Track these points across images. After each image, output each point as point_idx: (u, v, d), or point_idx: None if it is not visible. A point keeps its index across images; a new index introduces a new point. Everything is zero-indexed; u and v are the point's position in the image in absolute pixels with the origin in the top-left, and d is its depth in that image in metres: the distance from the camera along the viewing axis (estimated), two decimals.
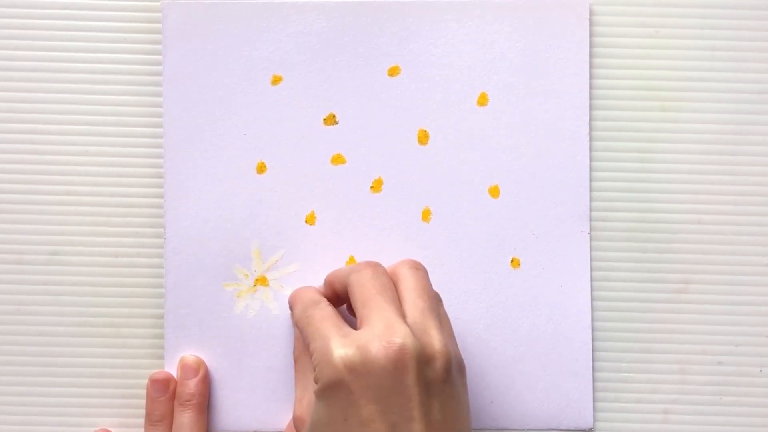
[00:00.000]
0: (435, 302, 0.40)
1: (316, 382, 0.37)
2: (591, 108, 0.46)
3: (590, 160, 0.46)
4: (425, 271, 0.41)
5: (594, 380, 0.46)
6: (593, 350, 0.46)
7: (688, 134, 0.46)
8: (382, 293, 0.39)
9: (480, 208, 0.46)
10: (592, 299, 0.46)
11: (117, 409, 0.47)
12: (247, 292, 0.46)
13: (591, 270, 0.46)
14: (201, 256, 0.46)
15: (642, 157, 0.46)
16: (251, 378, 0.46)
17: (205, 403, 0.46)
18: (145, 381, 0.46)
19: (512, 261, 0.46)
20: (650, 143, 0.46)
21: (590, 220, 0.46)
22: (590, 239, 0.46)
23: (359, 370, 0.36)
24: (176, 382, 0.46)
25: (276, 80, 0.46)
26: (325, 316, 0.39)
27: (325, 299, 0.41)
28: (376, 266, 0.41)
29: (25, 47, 0.46)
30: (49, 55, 0.46)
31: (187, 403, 0.45)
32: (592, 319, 0.46)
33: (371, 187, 0.46)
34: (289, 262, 0.46)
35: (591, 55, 0.46)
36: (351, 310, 0.43)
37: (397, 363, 0.36)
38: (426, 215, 0.46)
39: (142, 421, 0.46)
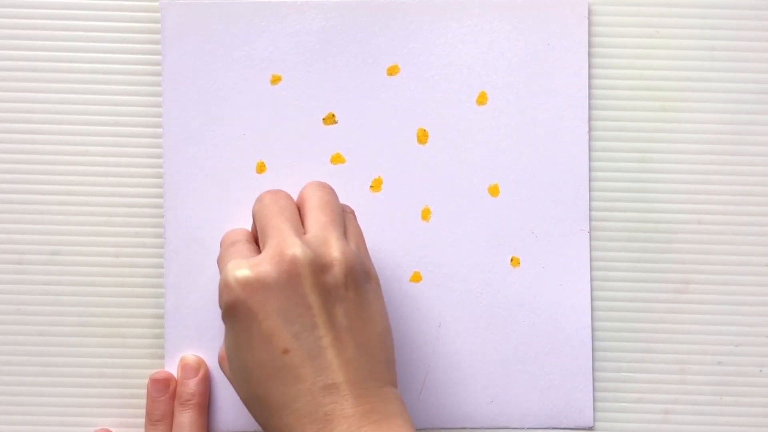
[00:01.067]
0: (339, 216, 0.40)
1: (220, 307, 0.38)
2: (591, 108, 0.46)
3: (590, 159, 0.46)
4: (330, 188, 0.41)
5: (594, 380, 0.46)
6: (593, 350, 0.46)
7: (688, 134, 0.46)
8: (280, 214, 0.39)
9: (480, 207, 0.46)
10: (592, 299, 0.46)
11: (117, 409, 0.47)
12: None
13: (591, 270, 0.46)
14: (201, 256, 0.46)
15: (642, 157, 0.46)
16: None
17: (206, 402, 0.46)
18: (145, 381, 0.46)
19: (512, 260, 0.46)
20: (650, 143, 0.46)
21: (590, 219, 0.46)
22: (590, 239, 0.46)
23: (254, 286, 0.36)
24: (176, 381, 0.46)
25: (275, 80, 0.46)
26: (235, 251, 0.39)
27: (245, 239, 0.41)
28: (276, 191, 0.41)
29: (25, 47, 0.46)
30: (49, 55, 0.46)
31: (188, 402, 0.45)
32: (592, 319, 0.46)
33: (371, 187, 0.46)
34: None
35: (590, 55, 0.46)
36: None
37: (290, 273, 0.36)
38: (425, 214, 0.46)
39: (142, 421, 0.46)
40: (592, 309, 0.46)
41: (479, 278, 0.46)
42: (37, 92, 0.46)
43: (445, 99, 0.46)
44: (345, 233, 0.40)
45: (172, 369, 0.46)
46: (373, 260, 0.41)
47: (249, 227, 0.42)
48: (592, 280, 0.46)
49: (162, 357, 0.46)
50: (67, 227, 0.46)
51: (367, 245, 0.41)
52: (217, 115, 0.46)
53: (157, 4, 0.46)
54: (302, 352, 0.36)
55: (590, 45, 0.46)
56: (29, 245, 0.46)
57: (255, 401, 0.37)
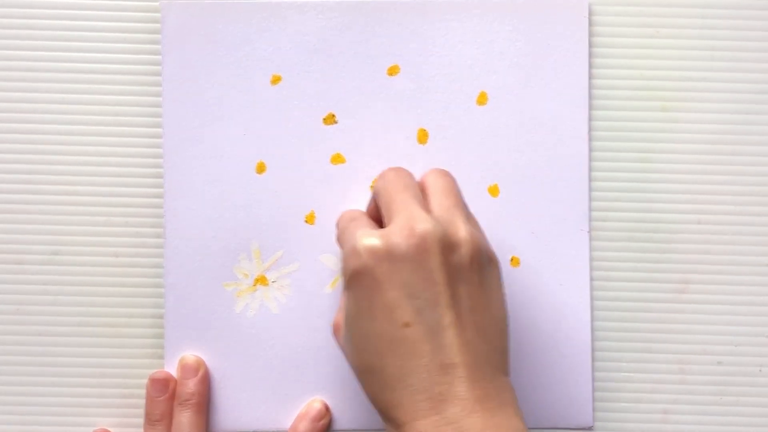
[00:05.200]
0: (462, 201, 0.40)
1: (344, 275, 0.38)
2: (591, 108, 0.46)
3: (590, 160, 0.46)
4: (452, 177, 0.41)
5: (594, 380, 0.46)
6: (593, 350, 0.46)
7: (688, 134, 0.46)
8: (405, 191, 0.39)
9: (480, 207, 0.46)
10: (592, 299, 0.46)
11: (117, 409, 0.47)
12: (247, 292, 0.46)
13: (591, 269, 0.46)
14: (201, 256, 0.46)
15: (642, 157, 0.46)
16: (251, 378, 0.46)
17: (205, 403, 0.46)
18: (145, 381, 0.46)
19: (512, 260, 0.46)
20: (650, 143, 0.46)
21: (590, 219, 0.46)
22: (590, 239, 0.46)
23: (382, 255, 0.36)
24: (176, 381, 0.46)
25: (275, 80, 0.46)
26: (357, 225, 0.39)
27: (364, 215, 0.41)
28: (399, 169, 0.41)
29: (25, 47, 0.46)
30: (49, 55, 0.46)
31: (187, 402, 0.45)
32: (592, 319, 0.46)
33: (371, 187, 0.46)
34: (289, 261, 0.46)
35: (591, 55, 0.46)
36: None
37: (419, 248, 0.36)
38: None
39: (141, 421, 0.46)
40: (592, 309, 0.46)
41: None
42: (37, 92, 0.46)
43: (445, 99, 0.46)
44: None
45: (172, 369, 0.46)
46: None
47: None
48: (592, 280, 0.46)
49: (162, 357, 0.46)
50: (67, 227, 0.46)
51: None
52: (217, 115, 0.46)
53: (158, 4, 0.46)
54: (423, 327, 0.36)
55: (590, 45, 0.46)
56: (29, 245, 0.46)
57: (368, 372, 0.37)
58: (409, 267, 0.36)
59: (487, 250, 0.38)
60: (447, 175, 0.41)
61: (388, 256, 0.36)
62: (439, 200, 0.39)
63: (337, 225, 0.42)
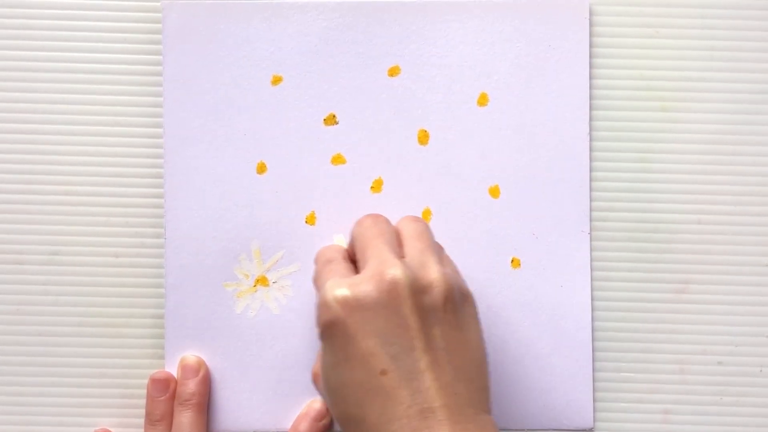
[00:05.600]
0: (435, 244, 0.40)
1: (317, 327, 0.38)
2: (591, 108, 0.46)
3: (590, 160, 0.46)
4: (425, 223, 0.42)
5: (594, 380, 0.46)
6: (593, 350, 0.46)
7: (688, 134, 0.46)
8: (379, 237, 0.39)
9: (480, 208, 0.46)
10: (592, 299, 0.46)
11: (117, 409, 0.47)
12: (248, 292, 0.46)
13: (591, 270, 0.46)
14: (201, 256, 0.46)
15: (642, 157, 0.46)
16: (251, 378, 0.46)
17: (205, 403, 0.46)
18: (145, 381, 0.46)
19: (512, 261, 0.46)
20: (650, 143, 0.46)
21: (590, 220, 0.46)
22: (590, 239, 0.46)
23: (353, 306, 0.36)
24: (176, 381, 0.46)
25: (276, 80, 0.46)
26: (332, 269, 0.39)
27: (341, 256, 0.41)
28: (376, 216, 0.41)
29: (25, 47, 0.46)
30: (49, 55, 0.46)
31: (187, 402, 0.45)
32: (592, 319, 0.46)
33: (371, 188, 0.46)
34: (289, 262, 0.46)
35: (591, 55, 0.46)
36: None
37: (390, 293, 0.36)
38: (426, 215, 0.46)
39: (142, 421, 0.46)
40: (593, 309, 0.46)
41: (480, 279, 0.46)
42: (37, 92, 0.46)
43: (446, 100, 0.46)
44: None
45: (172, 369, 0.46)
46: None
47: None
48: (592, 280, 0.46)
49: (162, 357, 0.46)
50: (67, 227, 0.46)
51: None
52: (217, 116, 0.46)
53: (158, 4, 0.46)
54: (400, 374, 0.36)
55: (591, 45, 0.46)
56: (29, 245, 0.46)
57: (350, 420, 0.37)
58: (382, 314, 0.36)
59: (460, 287, 0.38)
60: (419, 221, 0.41)
61: (359, 305, 0.36)
62: (412, 243, 0.39)
63: (315, 262, 0.42)
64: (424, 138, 0.46)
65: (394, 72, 0.46)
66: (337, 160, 0.46)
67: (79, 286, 0.47)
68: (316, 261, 0.42)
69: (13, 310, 0.47)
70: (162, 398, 0.45)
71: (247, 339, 0.46)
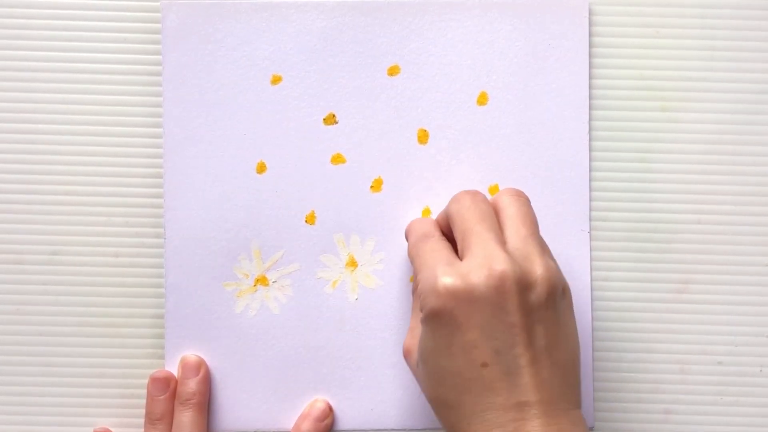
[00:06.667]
0: (538, 229, 0.40)
1: (421, 310, 0.38)
2: (591, 108, 0.46)
3: (590, 160, 0.46)
4: (527, 199, 0.41)
5: (594, 380, 0.46)
6: (593, 350, 0.46)
7: (688, 134, 0.46)
8: (482, 221, 0.39)
9: None
10: (592, 299, 0.46)
11: (117, 409, 0.47)
12: (248, 292, 0.46)
13: (591, 270, 0.46)
14: (201, 256, 0.46)
15: (642, 157, 0.46)
16: (252, 377, 0.46)
17: (206, 402, 0.46)
18: (145, 381, 0.46)
19: None
20: (650, 143, 0.46)
21: (590, 219, 0.46)
22: (590, 239, 0.46)
23: (462, 296, 0.37)
24: (176, 381, 0.46)
25: (276, 80, 0.46)
26: (434, 248, 0.40)
27: (437, 232, 0.41)
28: (475, 194, 0.41)
29: (25, 47, 0.46)
30: (49, 55, 0.46)
31: (188, 402, 0.45)
32: (592, 319, 0.46)
33: (371, 187, 0.46)
34: (289, 262, 0.46)
35: (591, 55, 0.46)
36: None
37: (498, 289, 0.36)
38: (426, 215, 0.46)
39: (142, 420, 0.46)
40: (592, 309, 0.46)
41: None
42: (37, 92, 0.46)
43: (445, 99, 0.46)
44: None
45: (173, 369, 0.46)
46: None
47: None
48: (592, 280, 0.46)
49: (162, 357, 0.46)
50: (67, 227, 0.46)
51: None
52: (217, 115, 0.46)
53: (158, 4, 0.46)
54: (500, 368, 0.36)
55: (591, 45, 0.46)
56: (29, 245, 0.46)
57: (445, 405, 0.38)
58: (488, 308, 0.36)
59: (562, 282, 0.39)
60: (521, 197, 0.41)
61: (467, 297, 0.37)
62: (515, 227, 0.39)
63: (407, 236, 0.43)
64: (423, 137, 0.46)
65: (393, 71, 0.46)
66: (337, 159, 0.46)
67: (79, 286, 0.47)
68: (409, 234, 0.42)
69: (13, 310, 0.47)
70: (162, 397, 0.45)
71: (247, 339, 0.46)
